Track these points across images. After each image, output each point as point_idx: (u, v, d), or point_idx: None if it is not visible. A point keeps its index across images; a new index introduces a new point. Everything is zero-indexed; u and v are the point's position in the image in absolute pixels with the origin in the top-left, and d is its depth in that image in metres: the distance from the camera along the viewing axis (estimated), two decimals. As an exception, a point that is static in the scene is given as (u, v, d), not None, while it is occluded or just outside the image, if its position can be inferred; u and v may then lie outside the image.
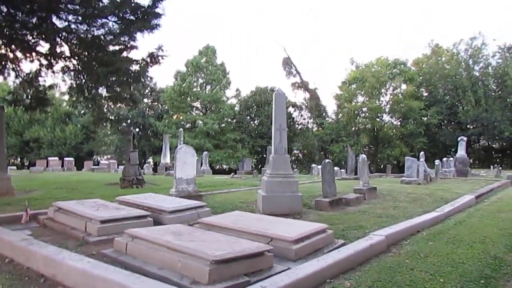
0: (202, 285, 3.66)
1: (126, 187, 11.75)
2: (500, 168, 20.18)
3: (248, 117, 41.83)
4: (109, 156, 45.72)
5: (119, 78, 7.62)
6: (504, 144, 30.36)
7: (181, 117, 39.46)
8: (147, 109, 41.70)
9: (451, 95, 33.69)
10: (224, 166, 40.38)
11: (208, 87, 40.50)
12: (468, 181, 16.03)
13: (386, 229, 6.10)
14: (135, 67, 7.67)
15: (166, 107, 41.48)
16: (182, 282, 3.76)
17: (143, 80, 8.17)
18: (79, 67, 7.57)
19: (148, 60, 7.54)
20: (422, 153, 22.28)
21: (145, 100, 42.91)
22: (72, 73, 8.55)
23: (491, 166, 28.47)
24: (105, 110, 9.26)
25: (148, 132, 41.68)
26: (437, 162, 16.40)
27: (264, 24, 77.38)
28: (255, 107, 41.29)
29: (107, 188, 11.53)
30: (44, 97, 8.91)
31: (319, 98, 39.71)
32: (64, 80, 8.50)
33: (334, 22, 78.31)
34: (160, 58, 7.62)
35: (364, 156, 10.27)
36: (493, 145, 32.75)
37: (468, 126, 32.89)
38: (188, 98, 39.60)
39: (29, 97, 8.88)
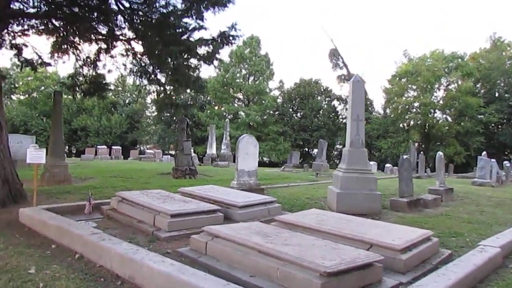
0: (312, 302, 3.02)
1: (179, 177, 11.40)
2: None
3: (291, 110, 40.92)
4: (150, 145, 46.54)
5: (190, 57, 7.09)
6: None
7: (223, 108, 39.21)
8: (190, 99, 41.73)
9: (514, 93, 31.14)
10: (265, 159, 39.81)
11: (251, 78, 39.95)
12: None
13: (493, 238, 5.21)
14: (205, 48, 7.13)
15: (209, 98, 41.37)
16: (285, 297, 3.13)
17: (216, 62, 7.65)
18: (144, 48, 7.14)
19: (219, 40, 6.97)
20: (484, 153, 20.61)
21: (187, 90, 43.01)
22: (132, 56, 8.15)
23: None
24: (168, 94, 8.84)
25: (190, 122, 41.82)
26: (507, 163, 14.90)
27: (311, 14, 75.44)
28: (298, 99, 40.31)
29: (160, 177, 11.23)
30: (102, 81, 8.61)
31: (366, 92, 38.09)
32: (124, 65, 8.14)
33: (386, 14, 74.98)
34: (232, 38, 7.02)
35: (441, 153, 9.25)
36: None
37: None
38: (231, 89, 39.26)
39: (88, 81, 8.60)
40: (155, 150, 28.03)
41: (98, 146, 25.42)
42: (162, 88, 8.51)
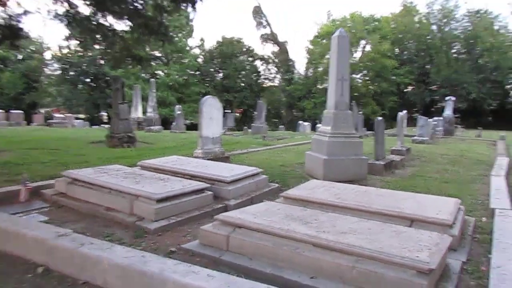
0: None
1: (116, 146, 9.79)
2: (481, 129, 20.40)
3: (212, 70, 39.19)
4: (52, 109, 41.28)
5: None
6: (469, 105, 31.15)
7: (138, 67, 35.88)
8: (99, 56, 37.25)
9: (422, 56, 33.62)
10: (187, 121, 38.06)
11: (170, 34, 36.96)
12: (466, 140, 15.88)
13: (494, 200, 5.15)
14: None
15: (122, 56, 37.49)
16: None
17: (197, 4, 6.06)
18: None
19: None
20: (405, 112, 21.98)
21: (96, 46, 38.34)
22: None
23: (457, 126, 29.25)
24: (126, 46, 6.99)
25: (101, 83, 37.65)
26: (433, 121, 15.94)
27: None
28: (220, 59, 38.62)
29: (94, 147, 9.51)
30: (17, 26, 6.56)
31: (288, 52, 38.05)
32: (47, 5, 6.17)
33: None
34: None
35: (402, 113, 9.19)
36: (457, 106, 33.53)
37: (433, 87, 33.40)
38: (147, 46, 35.89)
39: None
40: (66, 115, 24.63)
41: (-7, 111, 21.25)
42: (108, 39, 6.70)
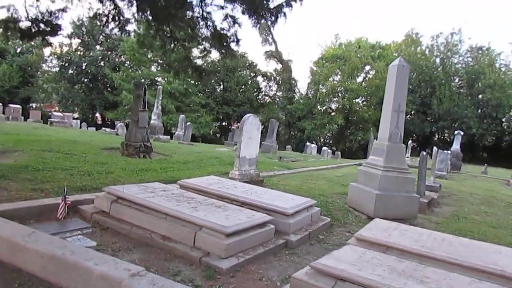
0: None
1: (131, 155, 9.21)
2: (486, 165, 20.36)
3: (213, 81, 38.81)
4: (45, 105, 40.15)
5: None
6: (467, 140, 31.27)
7: (139, 72, 35.32)
8: (101, 57, 36.65)
9: (423, 87, 33.90)
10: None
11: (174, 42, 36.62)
12: (478, 178, 15.73)
13: None
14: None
15: (123, 59, 36.93)
16: None
17: (283, 19, 5.61)
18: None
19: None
20: (410, 141, 21.96)
21: (98, 47, 37.79)
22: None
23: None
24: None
25: (99, 84, 36.92)
26: (447, 155, 15.72)
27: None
28: (222, 71, 38.34)
29: (111, 155, 8.90)
30: (53, 21, 6.09)
31: (291, 71, 37.98)
32: (89, 3, 5.75)
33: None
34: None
35: (436, 148, 8.89)
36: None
37: (432, 119, 33.63)
38: (150, 53, 35.41)
39: (31, 19, 6.00)
40: (65, 114, 23.79)
41: (-11, 103, 20.29)
42: (176, 45, 6.26)
